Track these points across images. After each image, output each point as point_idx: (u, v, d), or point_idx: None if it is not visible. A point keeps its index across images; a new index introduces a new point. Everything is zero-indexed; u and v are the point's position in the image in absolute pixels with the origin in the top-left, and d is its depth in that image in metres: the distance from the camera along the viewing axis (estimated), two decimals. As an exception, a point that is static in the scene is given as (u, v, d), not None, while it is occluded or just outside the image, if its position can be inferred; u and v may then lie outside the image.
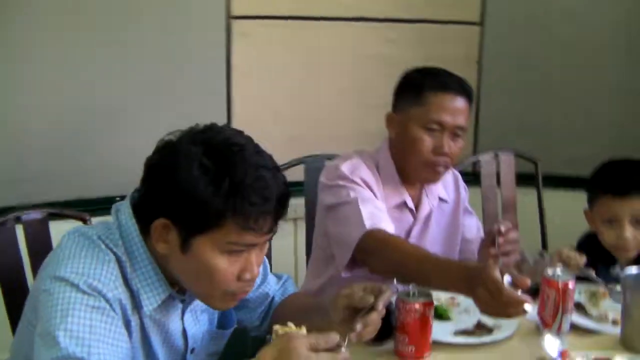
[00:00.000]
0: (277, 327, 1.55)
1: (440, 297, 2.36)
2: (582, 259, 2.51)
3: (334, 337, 1.52)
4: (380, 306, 1.77)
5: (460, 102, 2.52)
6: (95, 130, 3.77)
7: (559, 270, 2.22)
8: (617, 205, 2.63)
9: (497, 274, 1.85)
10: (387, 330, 2.01)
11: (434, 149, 2.51)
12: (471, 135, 4.44)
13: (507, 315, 1.94)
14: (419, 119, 2.50)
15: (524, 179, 3.82)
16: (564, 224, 3.03)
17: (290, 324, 1.56)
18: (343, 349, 1.51)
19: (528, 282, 1.88)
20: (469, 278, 1.93)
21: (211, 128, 1.69)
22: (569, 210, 2.95)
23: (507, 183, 3.64)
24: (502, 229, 2.40)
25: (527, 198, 3.85)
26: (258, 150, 1.67)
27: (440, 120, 2.48)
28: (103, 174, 3.76)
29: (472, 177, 3.53)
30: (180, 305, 1.80)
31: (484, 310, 1.99)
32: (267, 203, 1.62)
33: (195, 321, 1.88)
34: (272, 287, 2.13)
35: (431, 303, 2.02)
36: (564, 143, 4.48)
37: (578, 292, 2.43)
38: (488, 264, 1.92)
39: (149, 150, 1.73)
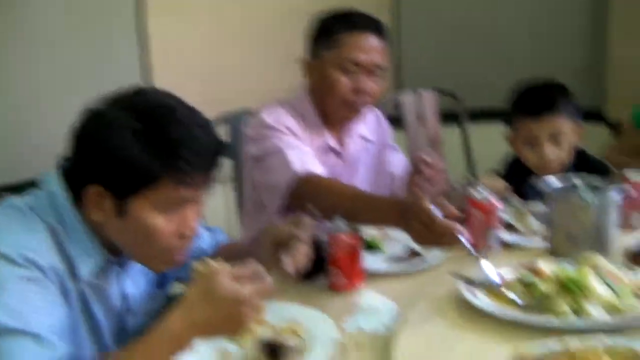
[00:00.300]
0: (196, 264, 1.55)
1: (371, 230, 2.41)
2: (502, 184, 2.57)
3: (255, 266, 1.53)
4: (304, 235, 1.78)
5: (373, 40, 2.53)
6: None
7: (483, 191, 2.27)
8: (536, 125, 2.69)
9: (428, 205, 1.87)
10: (320, 265, 2.04)
11: (353, 89, 2.52)
12: (393, 75, 4.45)
13: (442, 244, 1.99)
14: (335, 61, 2.51)
15: (448, 116, 3.87)
16: (490, 157, 3.08)
17: (209, 260, 1.56)
18: (267, 278, 1.52)
19: (455, 210, 1.91)
20: (402, 212, 1.95)
21: (138, 92, 1.68)
22: (494, 142, 2.99)
23: (431, 119, 3.68)
24: (427, 159, 2.44)
25: (452, 134, 3.90)
26: (189, 108, 1.66)
27: (355, 59, 2.49)
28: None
29: (395, 117, 3.56)
30: (118, 270, 1.79)
31: (419, 242, 2.03)
32: (202, 158, 1.62)
33: (134, 284, 1.87)
34: (206, 240, 2.13)
35: (360, 234, 2.05)
36: (485, 77, 4.54)
37: (505, 212, 2.48)
38: (419, 196, 1.95)
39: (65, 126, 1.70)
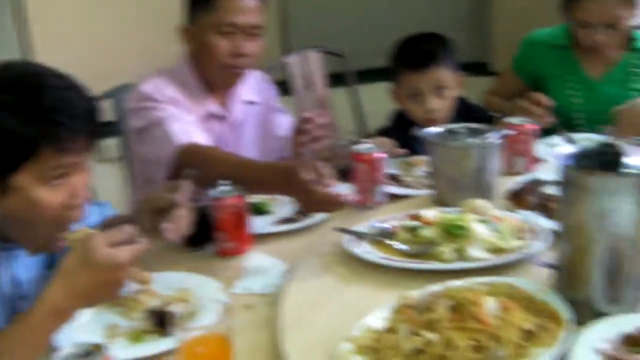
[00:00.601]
0: (67, 234, 1.50)
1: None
2: (388, 141, 2.58)
3: (128, 228, 1.49)
4: (182, 200, 1.74)
5: (249, 1, 2.49)
6: None
7: (366, 144, 2.27)
8: (419, 78, 2.70)
9: (304, 175, 1.85)
10: (207, 233, 2.00)
11: (232, 53, 2.47)
12: (280, 37, 4.42)
13: (326, 211, 2.01)
14: (212, 25, 2.45)
15: (336, 77, 3.86)
16: (380, 115, 3.08)
17: (79, 228, 1.51)
18: (142, 239, 1.49)
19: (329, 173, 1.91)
20: (282, 179, 1.93)
21: (5, 67, 1.60)
22: (383, 101, 2.99)
23: (319, 81, 3.66)
24: (309, 115, 2.42)
25: (341, 95, 3.89)
26: (58, 74, 1.60)
27: (232, 21, 2.44)
28: None
29: (284, 81, 3.53)
30: (6, 256, 1.72)
31: (304, 208, 2.04)
32: (79, 121, 1.56)
33: (26, 269, 1.79)
34: (96, 216, 2.07)
35: (245, 197, 2.02)
36: (371, 36, 4.55)
37: (392, 165, 2.50)
38: (299, 164, 1.93)
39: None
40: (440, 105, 2.70)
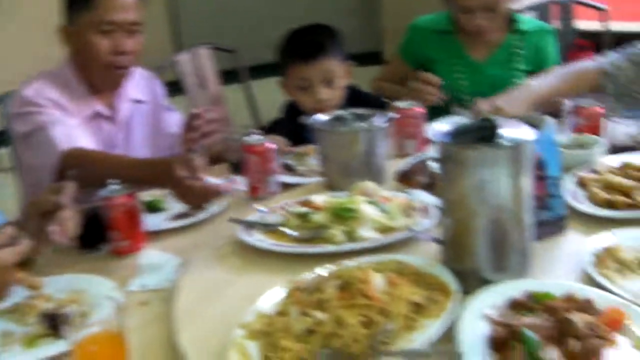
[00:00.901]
0: None
1: (153, 191, 2.36)
2: (280, 139, 2.59)
3: (9, 230, 1.46)
4: (65, 200, 1.71)
5: None
6: None
7: (257, 136, 2.27)
8: (307, 69, 2.72)
9: (178, 170, 1.88)
10: (100, 233, 1.98)
11: (112, 50, 2.44)
12: (170, 35, 4.37)
13: (203, 202, 2.06)
14: (91, 24, 2.41)
15: (229, 73, 3.84)
16: (275, 110, 3.08)
17: None
18: (23, 240, 1.46)
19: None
20: (160, 175, 1.97)
21: None
22: (277, 95, 2.99)
23: (211, 78, 3.64)
24: (198, 111, 2.41)
25: (236, 92, 3.88)
26: None
27: (111, 19, 2.41)
28: None
29: (175, 78, 3.49)
30: None
31: (183, 203, 2.05)
32: None
33: None
34: None
35: (134, 194, 2.00)
36: (263, 31, 4.55)
37: (286, 156, 2.52)
38: (170, 160, 1.95)
39: None
40: (329, 95, 2.73)
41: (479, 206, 1.45)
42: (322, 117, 2.27)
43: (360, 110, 2.28)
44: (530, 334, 1.24)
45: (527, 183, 1.47)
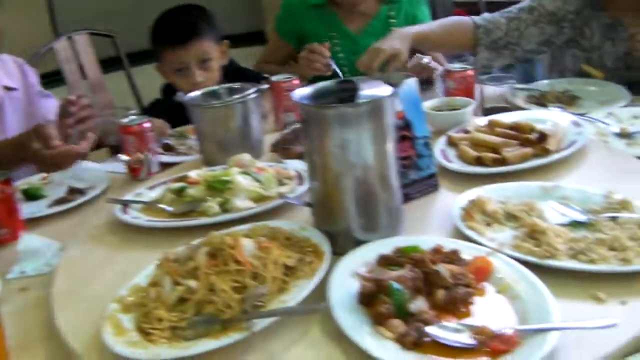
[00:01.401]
0: None
1: (30, 179, 2.35)
2: (160, 122, 2.58)
3: None
4: None
5: None
6: None
7: (133, 117, 2.26)
8: (181, 52, 2.70)
9: (35, 144, 1.93)
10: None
11: None
12: (48, 22, 4.26)
13: (64, 167, 2.13)
14: None
15: (109, 60, 3.79)
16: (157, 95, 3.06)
17: None
18: None
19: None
20: (17, 152, 2.00)
21: None
22: (158, 80, 2.97)
23: (90, 64, 3.58)
24: (72, 97, 2.37)
25: (117, 79, 3.83)
26: None
27: None
28: None
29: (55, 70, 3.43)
30: None
31: (46, 172, 2.14)
32: None
33: None
34: None
35: (9, 180, 1.96)
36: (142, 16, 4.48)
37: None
38: (23, 136, 1.99)
39: None
40: (205, 77, 2.72)
41: (343, 167, 1.47)
42: (196, 93, 2.27)
43: (234, 85, 2.29)
44: (396, 286, 1.27)
45: (391, 142, 1.50)
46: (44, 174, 2.38)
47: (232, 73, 2.87)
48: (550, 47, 2.80)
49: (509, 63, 2.82)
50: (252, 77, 2.86)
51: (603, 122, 2.20)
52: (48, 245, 1.88)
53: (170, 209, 1.85)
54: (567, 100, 2.49)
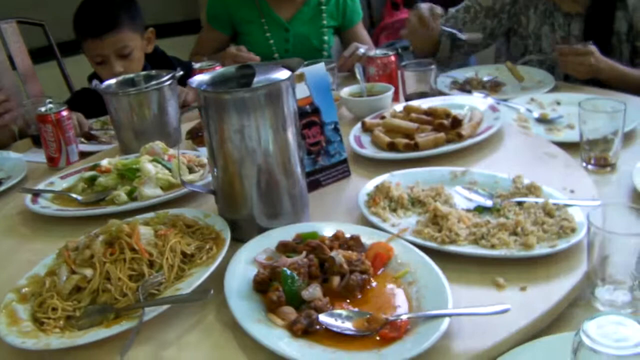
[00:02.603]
0: None
1: None
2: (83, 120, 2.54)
3: None
4: None
5: None
6: None
7: (50, 105, 2.22)
8: (101, 45, 2.64)
9: None
10: None
11: None
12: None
13: None
14: None
15: (40, 50, 3.72)
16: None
17: None
18: None
19: None
20: None
21: None
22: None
23: (19, 53, 3.49)
24: None
25: (49, 68, 3.76)
26: None
27: None
28: None
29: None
30: None
31: None
32: None
33: None
34: None
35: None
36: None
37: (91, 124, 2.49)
38: None
39: None
40: (127, 67, 2.65)
41: (243, 153, 1.45)
42: (110, 81, 2.22)
43: (151, 72, 2.26)
44: (289, 273, 1.26)
45: (292, 128, 1.48)
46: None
47: (158, 61, 2.83)
48: (494, 39, 2.86)
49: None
50: (176, 64, 2.83)
51: (524, 108, 2.20)
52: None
53: (79, 197, 1.82)
54: (491, 87, 2.49)
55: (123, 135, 2.19)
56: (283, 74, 1.44)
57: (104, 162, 1.91)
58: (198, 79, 1.48)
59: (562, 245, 1.34)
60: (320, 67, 1.72)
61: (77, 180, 1.92)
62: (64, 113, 2.19)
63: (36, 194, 1.89)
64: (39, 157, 2.30)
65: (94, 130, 2.51)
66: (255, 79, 1.41)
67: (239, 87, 1.44)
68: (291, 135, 1.48)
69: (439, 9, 2.65)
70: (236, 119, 1.42)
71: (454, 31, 2.67)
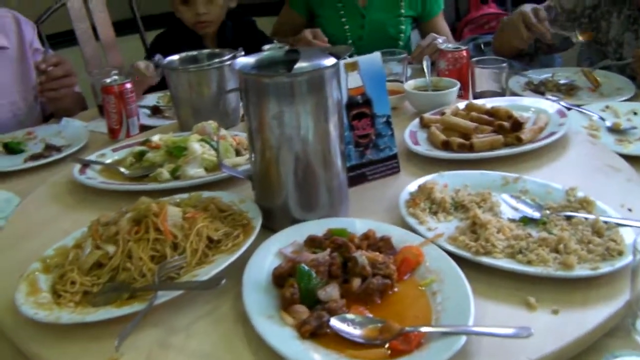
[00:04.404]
0: None
1: (15, 133, 2.39)
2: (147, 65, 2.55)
3: None
4: None
5: None
6: None
7: (114, 76, 2.22)
8: None
9: None
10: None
11: None
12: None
13: None
14: None
15: (128, 24, 3.76)
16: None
17: None
18: None
19: None
20: None
21: None
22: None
23: (103, 24, 3.52)
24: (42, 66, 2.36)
25: (135, 42, 3.80)
26: None
27: None
28: None
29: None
30: None
31: None
32: None
33: None
34: None
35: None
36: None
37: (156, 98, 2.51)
38: None
39: None
40: (209, 10, 2.81)
41: (280, 140, 1.40)
42: (173, 57, 2.21)
43: (215, 50, 2.25)
44: (306, 269, 1.21)
45: (335, 118, 1.42)
46: (30, 129, 2.37)
47: (246, 29, 2.87)
48: (571, 43, 2.73)
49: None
50: (262, 38, 2.85)
51: (597, 115, 2.09)
52: (8, 200, 1.86)
53: (126, 172, 1.81)
54: (566, 90, 2.38)
55: (181, 112, 2.18)
56: (328, 61, 1.39)
57: (155, 138, 1.90)
58: (243, 60, 1.44)
59: (605, 268, 1.23)
60: (375, 57, 1.66)
61: (128, 154, 1.91)
62: (128, 86, 2.19)
63: (86, 164, 1.89)
64: (103, 127, 2.31)
65: (160, 105, 2.50)
66: (297, 65, 1.36)
67: (283, 71, 1.39)
68: (333, 125, 1.42)
69: (543, 12, 2.54)
70: (275, 104, 1.37)
71: (569, 34, 2.57)
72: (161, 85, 2.52)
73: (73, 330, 1.21)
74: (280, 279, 1.24)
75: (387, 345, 1.09)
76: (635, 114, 2.12)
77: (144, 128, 2.29)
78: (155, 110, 2.47)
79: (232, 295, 1.27)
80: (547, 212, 1.46)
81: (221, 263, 1.29)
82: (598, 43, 2.66)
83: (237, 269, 1.28)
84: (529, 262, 1.27)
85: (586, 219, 1.40)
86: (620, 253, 1.27)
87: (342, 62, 1.55)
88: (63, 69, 2.35)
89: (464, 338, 1.06)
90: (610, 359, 0.86)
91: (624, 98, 2.25)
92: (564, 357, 1.09)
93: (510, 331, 1.08)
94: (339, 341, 1.11)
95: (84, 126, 2.38)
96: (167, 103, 2.51)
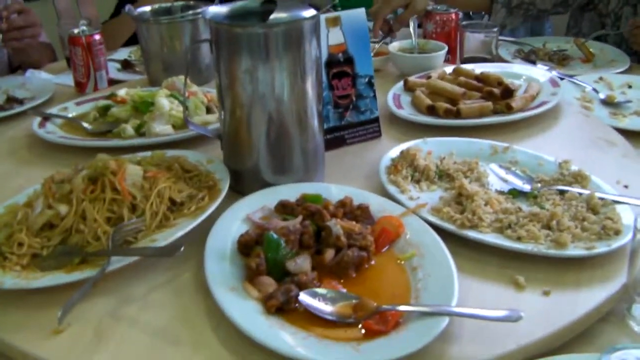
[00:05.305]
0: None
1: None
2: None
3: None
4: None
5: None
6: None
7: (82, 26, 2.10)
8: None
9: None
10: None
11: None
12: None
13: None
14: None
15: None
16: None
17: None
18: None
19: None
20: None
21: None
22: None
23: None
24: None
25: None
26: None
27: None
28: None
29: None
30: None
31: None
32: None
33: None
34: None
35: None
36: None
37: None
38: None
39: None
40: None
41: (252, 97, 1.29)
42: (145, 8, 2.08)
43: (190, 2, 2.12)
44: (274, 237, 1.10)
45: (312, 76, 1.31)
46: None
47: None
48: (565, 8, 2.61)
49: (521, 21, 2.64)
50: None
51: (590, 86, 1.99)
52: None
53: (88, 127, 1.69)
54: (558, 60, 2.27)
55: (151, 67, 2.07)
56: (307, 12, 1.27)
57: (121, 92, 1.78)
58: (214, 9, 1.32)
59: (600, 248, 1.14)
60: (359, 13, 1.55)
61: (92, 108, 1.79)
62: (96, 37, 2.07)
63: (46, 118, 1.77)
64: (70, 80, 2.18)
65: (132, 59, 2.38)
66: (273, 16, 1.24)
67: (257, 22, 1.27)
68: (310, 84, 1.31)
69: None
70: (247, 58, 1.25)
71: None
72: (134, 39, 2.39)
73: (17, 296, 1.10)
74: (246, 247, 1.14)
75: (360, 325, 0.99)
76: (630, 87, 2.02)
77: (113, 82, 2.17)
78: (126, 65, 2.34)
79: (194, 264, 1.17)
80: (538, 185, 1.36)
81: (183, 227, 1.18)
82: (598, 13, 2.55)
83: (200, 235, 1.18)
84: (519, 239, 1.18)
85: (580, 194, 1.30)
86: (617, 232, 1.18)
87: (323, 15, 1.43)
88: (25, 18, 2.21)
89: (446, 319, 0.96)
90: (611, 352, 0.76)
91: (618, 70, 2.16)
92: (555, 342, 1.00)
93: (498, 314, 0.98)
94: (308, 318, 1.01)
95: (50, 79, 2.24)
96: (139, 57, 2.38)
